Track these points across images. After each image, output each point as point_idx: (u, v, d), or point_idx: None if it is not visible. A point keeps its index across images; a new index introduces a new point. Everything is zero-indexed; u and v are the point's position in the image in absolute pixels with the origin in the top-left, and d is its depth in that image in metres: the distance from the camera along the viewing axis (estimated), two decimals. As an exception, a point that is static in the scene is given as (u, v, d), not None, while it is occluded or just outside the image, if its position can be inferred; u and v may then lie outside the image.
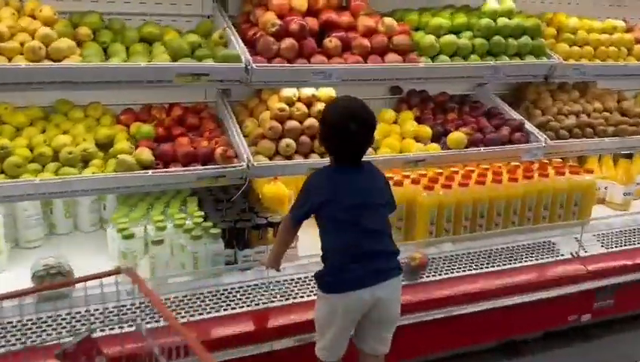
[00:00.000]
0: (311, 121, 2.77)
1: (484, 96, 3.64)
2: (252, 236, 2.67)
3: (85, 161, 2.48)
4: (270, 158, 2.72)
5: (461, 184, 3.01)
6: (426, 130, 3.10)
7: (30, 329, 2.24)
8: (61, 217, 2.96)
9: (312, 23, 2.74)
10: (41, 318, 2.26)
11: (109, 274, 1.65)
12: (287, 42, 2.61)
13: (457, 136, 3.02)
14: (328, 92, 2.88)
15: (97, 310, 2.32)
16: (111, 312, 2.26)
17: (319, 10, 2.81)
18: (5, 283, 2.28)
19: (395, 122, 3.23)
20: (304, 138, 2.76)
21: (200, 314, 2.41)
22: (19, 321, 2.24)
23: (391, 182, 2.93)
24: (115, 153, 2.50)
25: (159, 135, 2.71)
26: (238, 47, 2.58)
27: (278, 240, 2.32)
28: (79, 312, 2.34)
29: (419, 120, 3.25)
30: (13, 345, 2.15)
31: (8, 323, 2.24)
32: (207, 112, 2.96)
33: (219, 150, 2.57)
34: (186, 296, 2.47)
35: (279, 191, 2.94)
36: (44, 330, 2.24)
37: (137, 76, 2.35)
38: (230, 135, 2.77)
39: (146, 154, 2.49)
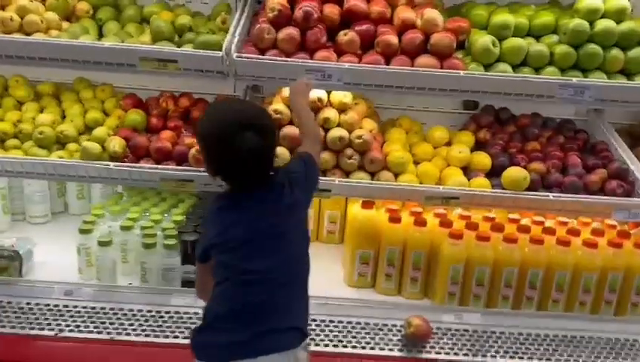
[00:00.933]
0: (314, 131, 2.28)
1: (598, 124, 2.72)
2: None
3: (63, 144, 2.34)
4: (258, 168, 2.29)
5: (507, 238, 2.24)
6: (483, 159, 2.37)
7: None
8: (74, 198, 2.89)
9: (330, 10, 2.23)
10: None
11: None
12: (285, 32, 2.14)
13: (515, 173, 2.24)
14: (341, 97, 2.33)
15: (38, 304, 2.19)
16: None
17: (346, -4, 2.28)
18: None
19: (449, 144, 2.55)
20: (302, 149, 2.28)
21: (127, 334, 2.10)
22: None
23: (412, 218, 2.32)
24: (92, 139, 2.32)
25: (152, 125, 2.45)
26: (230, 33, 2.19)
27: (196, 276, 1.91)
28: (19, 303, 2.21)
29: (484, 145, 2.52)
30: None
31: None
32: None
33: (193, 150, 2.22)
34: (122, 310, 2.18)
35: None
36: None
37: (103, 57, 2.10)
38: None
39: (114, 144, 2.24)
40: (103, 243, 2.22)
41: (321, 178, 2.20)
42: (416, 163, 2.41)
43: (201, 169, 2.18)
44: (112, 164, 2.19)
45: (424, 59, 2.15)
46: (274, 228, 1.61)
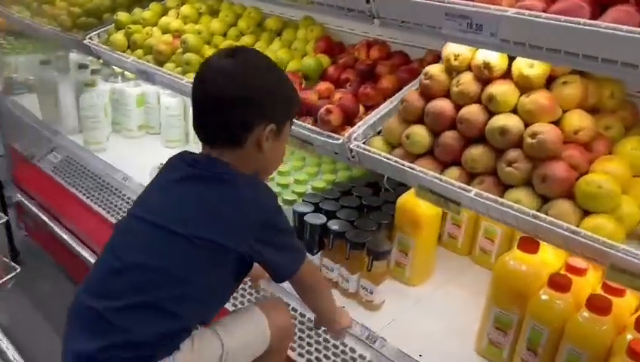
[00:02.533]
0: (471, 111, 1.52)
1: None
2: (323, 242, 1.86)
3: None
4: (393, 148, 1.70)
5: None
6: None
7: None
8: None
9: None
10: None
11: None
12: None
13: None
14: (522, 67, 1.45)
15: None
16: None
17: None
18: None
19: None
20: (450, 136, 1.56)
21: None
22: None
23: (593, 291, 1.38)
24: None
25: (327, 73, 2.13)
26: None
27: None
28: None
29: None
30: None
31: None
32: (419, 65, 2.04)
33: (322, 109, 1.81)
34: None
35: (411, 206, 1.82)
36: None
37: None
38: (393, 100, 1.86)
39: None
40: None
41: (454, 183, 1.48)
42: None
43: (325, 132, 1.77)
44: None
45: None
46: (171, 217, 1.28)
